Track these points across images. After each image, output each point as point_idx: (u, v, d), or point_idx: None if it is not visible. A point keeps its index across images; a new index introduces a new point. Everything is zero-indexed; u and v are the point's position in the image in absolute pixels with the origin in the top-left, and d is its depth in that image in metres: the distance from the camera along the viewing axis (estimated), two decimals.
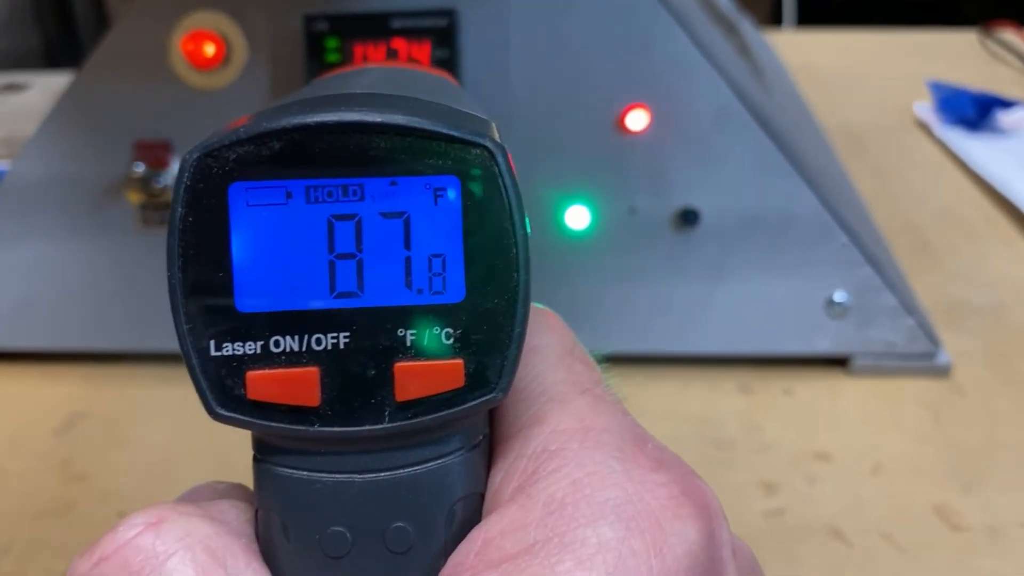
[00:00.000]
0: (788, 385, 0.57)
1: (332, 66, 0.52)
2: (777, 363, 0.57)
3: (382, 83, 0.24)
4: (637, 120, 0.54)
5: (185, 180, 0.18)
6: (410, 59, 0.50)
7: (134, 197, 0.54)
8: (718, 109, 0.54)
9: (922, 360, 0.57)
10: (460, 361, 0.19)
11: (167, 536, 0.18)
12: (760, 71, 0.72)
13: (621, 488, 0.18)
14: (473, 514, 0.20)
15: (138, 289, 0.57)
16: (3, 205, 0.57)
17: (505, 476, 0.20)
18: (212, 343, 0.19)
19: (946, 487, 0.49)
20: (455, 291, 0.19)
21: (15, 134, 0.89)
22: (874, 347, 0.57)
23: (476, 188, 0.19)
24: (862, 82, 1.08)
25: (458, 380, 0.19)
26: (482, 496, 0.20)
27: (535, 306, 0.23)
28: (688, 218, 0.55)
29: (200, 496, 0.21)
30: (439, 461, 0.19)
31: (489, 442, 0.21)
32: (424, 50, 0.51)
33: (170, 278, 0.19)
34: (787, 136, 0.57)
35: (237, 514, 0.20)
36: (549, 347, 0.22)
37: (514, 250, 0.19)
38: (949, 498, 0.49)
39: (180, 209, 0.18)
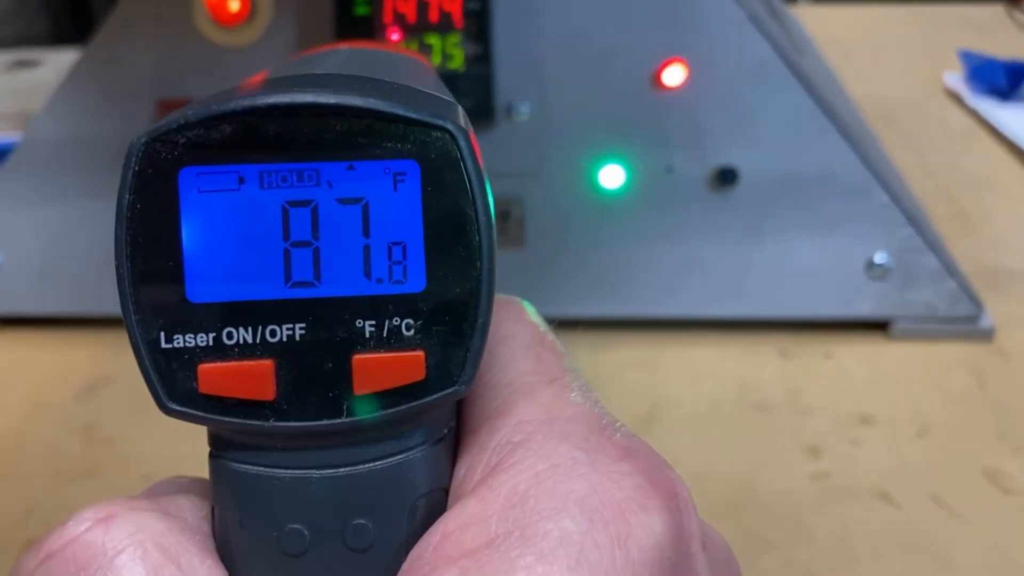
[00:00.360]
0: (828, 349, 0.55)
1: (360, 20, 0.51)
2: (816, 327, 0.56)
3: (347, 65, 0.23)
4: (674, 75, 0.52)
5: (133, 165, 0.17)
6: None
7: None
8: (757, 65, 0.53)
9: (965, 324, 0.55)
10: (421, 353, 0.18)
11: (117, 532, 0.17)
12: (791, 36, 0.71)
13: (585, 479, 0.17)
14: (437, 509, 0.19)
15: None
16: (22, 167, 0.56)
17: (468, 469, 0.19)
18: (162, 335, 0.18)
19: (995, 450, 0.48)
20: (416, 280, 0.18)
21: (27, 109, 0.88)
22: (915, 310, 0.55)
23: (437, 173, 0.18)
24: (888, 54, 1.06)
25: (419, 373, 0.18)
26: (447, 491, 0.19)
27: (506, 296, 0.22)
28: (726, 177, 0.53)
29: (160, 491, 0.20)
30: (401, 456, 0.18)
31: (455, 435, 0.20)
32: (456, 2, 0.50)
33: (118, 267, 0.18)
34: (825, 94, 0.56)
35: (193, 510, 0.19)
36: (518, 336, 0.21)
37: (477, 238, 0.18)
38: (999, 461, 0.47)
39: (128, 196, 0.17)
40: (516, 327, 0.21)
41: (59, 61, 1.04)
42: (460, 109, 0.19)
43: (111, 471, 0.47)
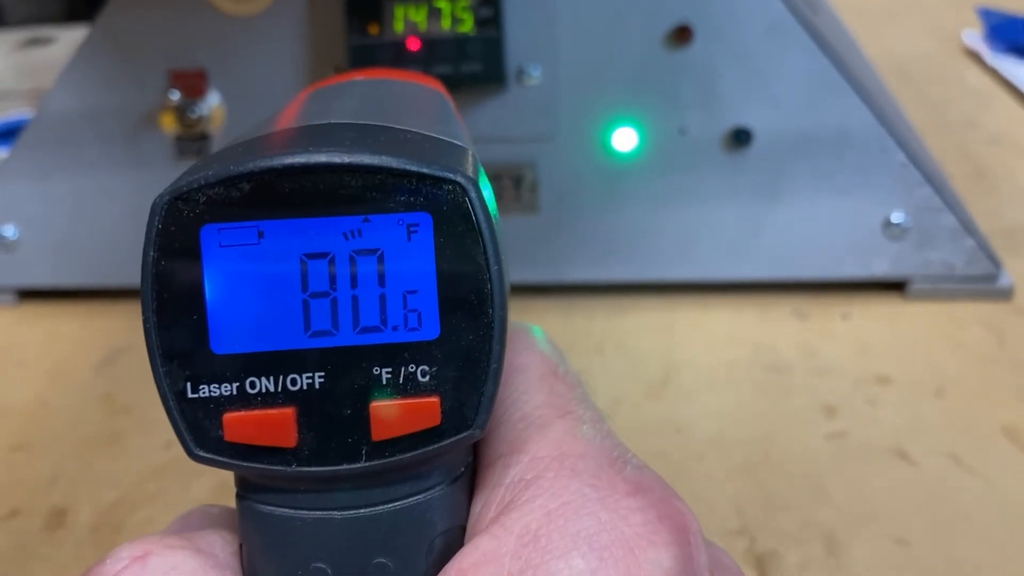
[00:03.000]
0: (845, 310, 0.55)
1: None
2: (833, 288, 0.56)
3: (362, 109, 0.23)
4: (686, 35, 0.52)
5: (156, 224, 0.18)
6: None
7: (168, 124, 0.52)
8: (770, 23, 0.52)
9: (983, 283, 0.55)
10: (436, 399, 0.19)
11: (153, 570, 0.18)
12: None
13: (595, 517, 0.18)
14: (454, 546, 0.19)
15: None
16: (37, 141, 0.56)
17: (484, 506, 0.19)
18: (188, 385, 0.19)
19: (1015, 408, 0.48)
20: (430, 328, 0.19)
21: (41, 87, 0.88)
22: (933, 269, 0.55)
23: (448, 224, 0.18)
24: (905, 12, 1.05)
25: (434, 418, 0.19)
26: (463, 528, 0.20)
27: (518, 324, 0.23)
28: (740, 138, 0.53)
29: (192, 522, 0.21)
30: (419, 496, 0.19)
31: (472, 471, 0.21)
32: None
33: (145, 321, 0.18)
34: (840, 53, 0.55)
35: (224, 546, 0.20)
36: (530, 368, 0.22)
37: (488, 286, 0.18)
38: (1018, 419, 0.47)
39: (152, 253, 0.18)
40: (528, 358, 0.22)
41: (72, 38, 1.04)
42: (470, 154, 0.20)
43: (132, 439, 0.48)
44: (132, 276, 0.57)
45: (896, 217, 0.54)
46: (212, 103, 0.55)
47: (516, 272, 0.57)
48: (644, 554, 0.18)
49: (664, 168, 0.54)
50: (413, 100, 0.26)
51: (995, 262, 0.55)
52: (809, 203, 0.54)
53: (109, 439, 0.48)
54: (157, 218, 0.18)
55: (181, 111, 0.53)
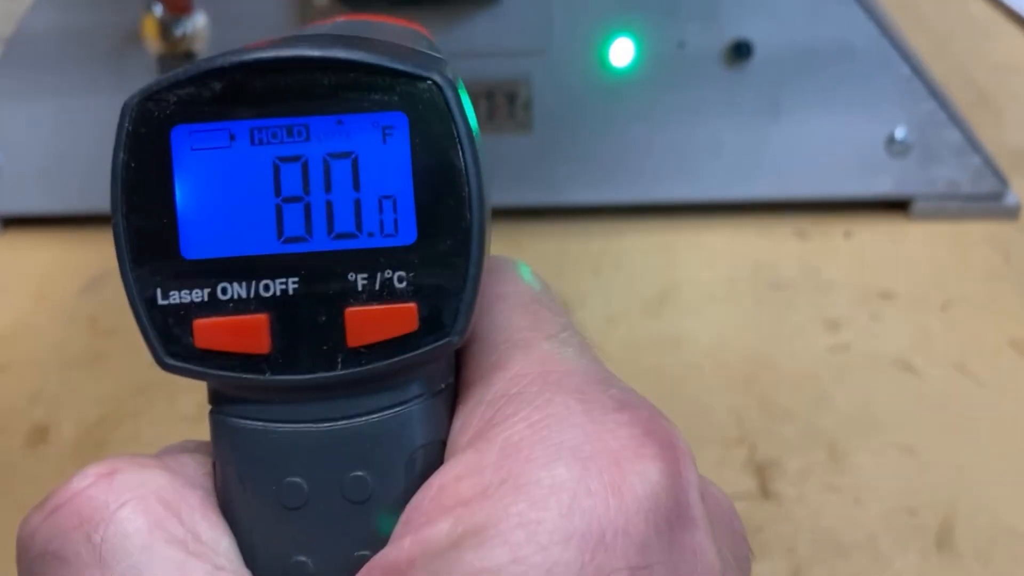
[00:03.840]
0: (847, 229, 0.53)
1: None
2: (834, 207, 0.54)
3: (340, 29, 0.23)
4: None
5: (126, 125, 0.18)
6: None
7: (151, 33, 0.51)
8: None
9: (989, 201, 0.54)
10: (413, 305, 0.18)
11: (120, 486, 0.18)
12: None
13: (579, 428, 0.17)
14: (434, 462, 0.19)
15: None
16: (15, 63, 0.54)
17: (464, 422, 0.19)
18: (159, 291, 0.18)
19: (1022, 321, 0.46)
20: (406, 233, 0.18)
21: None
22: (938, 188, 0.53)
23: (425, 125, 0.18)
24: None
25: (412, 324, 0.18)
26: (444, 444, 0.19)
27: (502, 257, 0.22)
28: (740, 51, 0.51)
29: (166, 452, 0.20)
30: (397, 408, 0.19)
31: (454, 391, 0.20)
32: None
33: (115, 226, 0.18)
34: None
35: (196, 467, 0.20)
36: (515, 294, 0.21)
37: (467, 188, 0.18)
38: None
39: (122, 155, 0.18)
40: (512, 286, 0.21)
41: None
42: (449, 64, 0.19)
43: (117, 358, 0.47)
44: None
45: (900, 133, 0.52)
46: (198, 23, 0.53)
47: (509, 194, 0.56)
48: (630, 465, 0.17)
49: (662, 84, 0.52)
50: (394, 31, 0.26)
51: (1002, 180, 0.53)
52: (811, 119, 0.53)
53: (93, 359, 0.47)
54: (127, 119, 0.18)
55: (166, 27, 0.52)
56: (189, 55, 0.53)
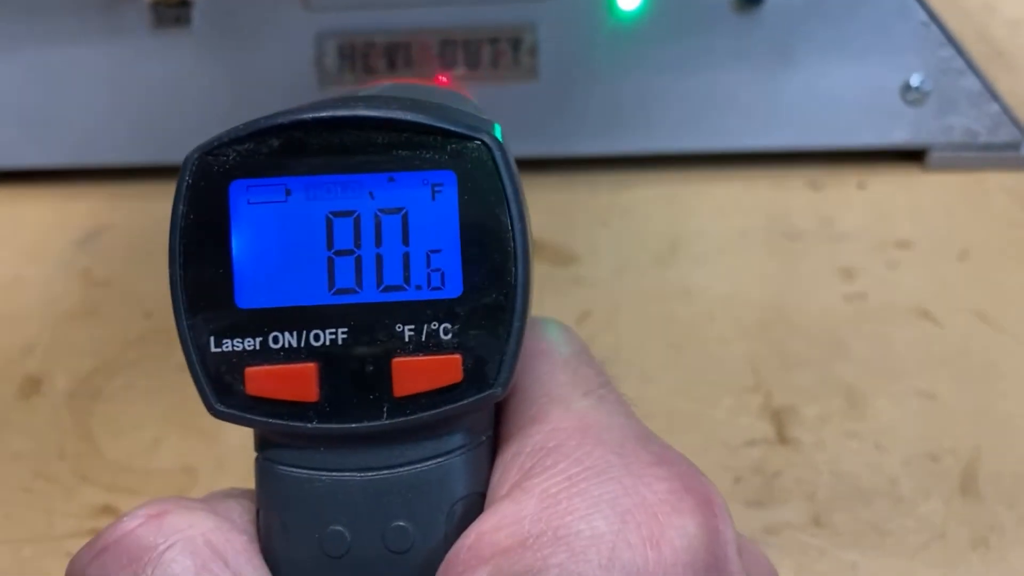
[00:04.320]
0: (861, 179, 0.52)
1: None
2: (848, 158, 0.53)
3: (392, 90, 0.24)
4: None
5: (187, 179, 0.19)
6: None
7: None
8: None
9: (1006, 151, 0.52)
10: (458, 356, 0.19)
11: (168, 528, 0.18)
12: None
13: (618, 482, 0.18)
14: (474, 512, 0.19)
15: (154, 97, 0.53)
16: (6, 7, 0.53)
17: (503, 473, 0.19)
18: (212, 339, 0.19)
19: None
20: (453, 286, 0.19)
21: None
22: (954, 137, 0.52)
23: (473, 183, 0.19)
24: None
25: (456, 375, 0.19)
26: (484, 496, 0.20)
27: (544, 317, 0.23)
28: None
29: (214, 497, 0.21)
30: (440, 459, 0.19)
31: (494, 442, 0.21)
32: None
33: (171, 275, 0.19)
34: None
35: (241, 512, 0.20)
36: (556, 350, 0.22)
37: (512, 244, 0.19)
38: None
39: (182, 207, 0.19)
40: (553, 344, 0.22)
41: None
42: (497, 125, 0.20)
43: (111, 310, 0.45)
44: (110, 154, 0.54)
45: (915, 80, 0.51)
46: None
47: (515, 145, 0.54)
48: (668, 519, 0.17)
49: (671, 30, 0.51)
50: (442, 92, 0.27)
51: (1020, 128, 0.52)
52: (824, 67, 0.51)
53: (87, 311, 0.45)
54: (187, 173, 0.18)
55: None
56: (185, 3, 0.52)
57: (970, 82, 0.51)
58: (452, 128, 0.18)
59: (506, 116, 0.52)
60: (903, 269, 0.46)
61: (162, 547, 0.18)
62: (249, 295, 0.19)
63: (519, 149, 0.57)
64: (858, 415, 0.38)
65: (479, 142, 0.18)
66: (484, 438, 0.20)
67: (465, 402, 0.19)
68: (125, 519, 0.18)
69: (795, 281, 0.45)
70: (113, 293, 0.46)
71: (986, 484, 0.35)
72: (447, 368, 0.19)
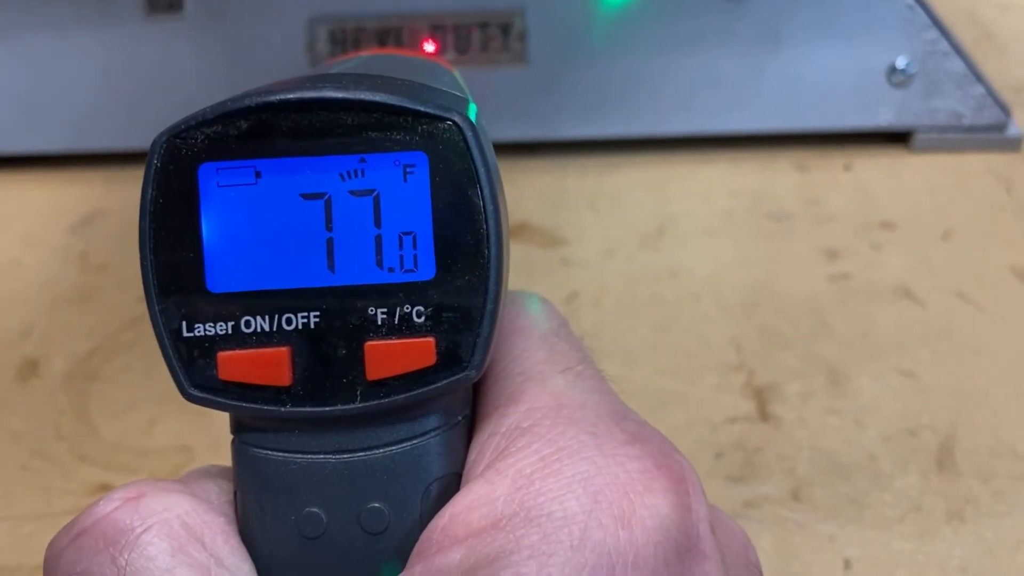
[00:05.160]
0: (847, 161, 0.53)
1: None
2: (834, 139, 0.54)
3: (364, 66, 0.24)
4: None
5: (155, 162, 0.18)
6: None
7: None
8: None
9: (991, 132, 0.53)
10: (431, 339, 0.19)
11: (145, 510, 0.18)
12: None
13: (591, 462, 0.18)
14: (450, 493, 0.19)
15: (148, 83, 0.54)
16: None
17: (479, 453, 0.19)
18: (184, 324, 0.19)
19: None
20: (426, 269, 0.19)
21: None
22: (940, 119, 0.53)
23: (444, 164, 0.18)
24: None
25: (429, 358, 0.19)
26: (460, 476, 0.20)
27: (520, 291, 0.23)
28: None
29: (190, 477, 0.21)
30: (415, 441, 0.19)
31: (470, 422, 0.21)
32: None
33: (142, 260, 0.19)
34: None
35: (219, 493, 0.20)
36: (532, 327, 0.21)
37: (484, 226, 0.18)
38: None
39: (151, 191, 0.18)
40: (530, 319, 0.22)
41: None
42: (471, 104, 0.20)
43: (108, 293, 0.46)
44: (105, 139, 0.55)
45: (901, 62, 0.51)
46: None
47: (504, 129, 0.55)
48: (640, 498, 0.17)
49: (659, 14, 0.51)
50: (418, 66, 0.26)
51: (1005, 110, 0.53)
52: (810, 50, 0.52)
53: (84, 295, 0.46)
54: (155, 156, 0.18)
55: None
56: None
57: (955, 64, 0.52)
58: (422, 109, 0.18)
59: (495, 100, 0.53)
60: (887, 249, 0.46)
61: (139, 530, 0.18)
62: (220, 279, 0.19)
63: (508, 133, 0.58)
64: (839, 393, 0.39)
65: (450, 123, 0.18)
66: (460, 418, 0.20)
67: (439, 385, 0.19)
68: (101, 502, 0.19)
69: (780, 262, 0.46)
70: (109, 277, 0.47)
71: (962, 459, 0.36)
72: (420, 351, 0.19)
